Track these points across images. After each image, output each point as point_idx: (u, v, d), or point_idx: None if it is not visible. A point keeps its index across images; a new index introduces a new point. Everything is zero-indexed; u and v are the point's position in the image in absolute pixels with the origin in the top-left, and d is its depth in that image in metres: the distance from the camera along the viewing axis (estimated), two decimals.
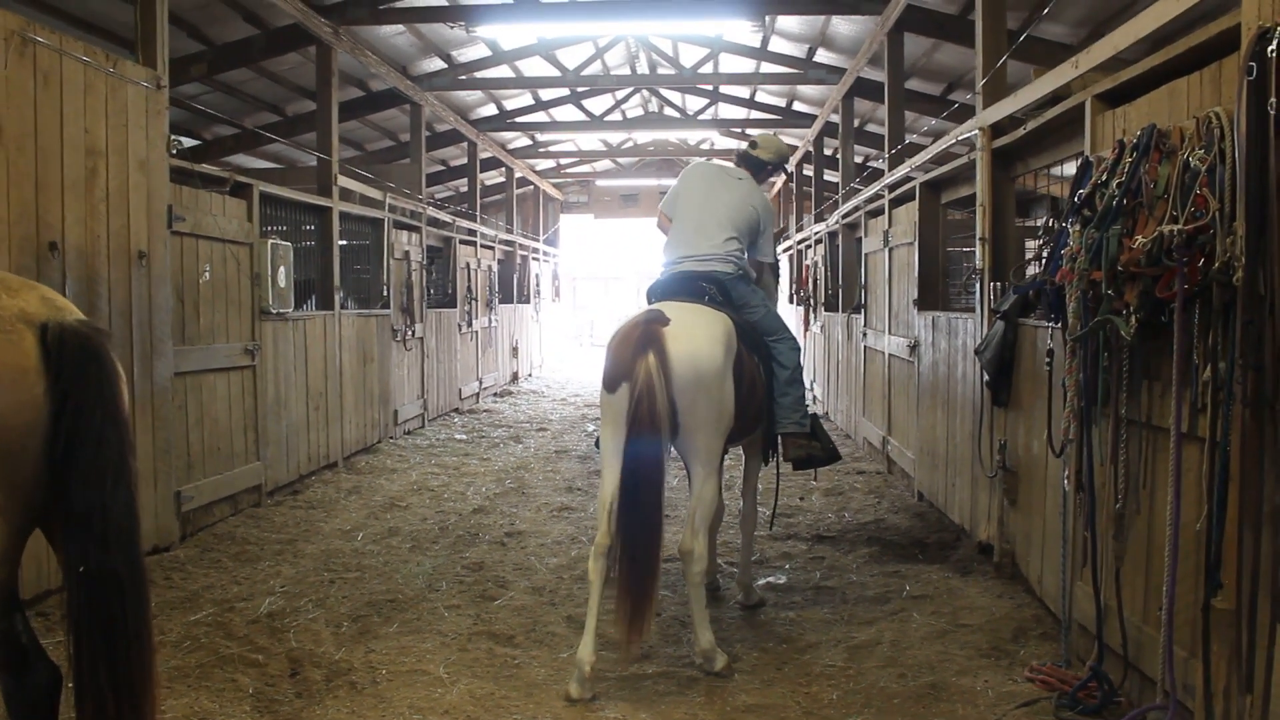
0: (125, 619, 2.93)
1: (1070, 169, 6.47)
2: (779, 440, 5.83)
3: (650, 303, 5.60)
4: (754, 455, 6.10)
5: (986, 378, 6.26)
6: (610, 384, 4.90)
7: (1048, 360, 5.12)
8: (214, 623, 5.57)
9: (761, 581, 6.38)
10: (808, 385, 16.94)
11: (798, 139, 19.86)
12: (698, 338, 4.95)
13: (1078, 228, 4.26)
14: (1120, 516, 4.33)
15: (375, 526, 7.88)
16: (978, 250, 6.75)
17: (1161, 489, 4.00)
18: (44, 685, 2.99)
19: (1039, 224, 5.75)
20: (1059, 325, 4.76)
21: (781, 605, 5.93)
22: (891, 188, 9.83)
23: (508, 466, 10.66)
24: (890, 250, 9.72)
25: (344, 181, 11.24)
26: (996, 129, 6.60)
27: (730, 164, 6.25)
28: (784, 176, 5.27)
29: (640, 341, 4.80)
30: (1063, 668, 4.68)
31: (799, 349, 5.86)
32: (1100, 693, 4.26)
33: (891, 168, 10.09)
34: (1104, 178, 4.16)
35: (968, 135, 7.14)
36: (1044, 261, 5.01)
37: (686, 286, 5.59)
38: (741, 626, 5.57)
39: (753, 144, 6.31)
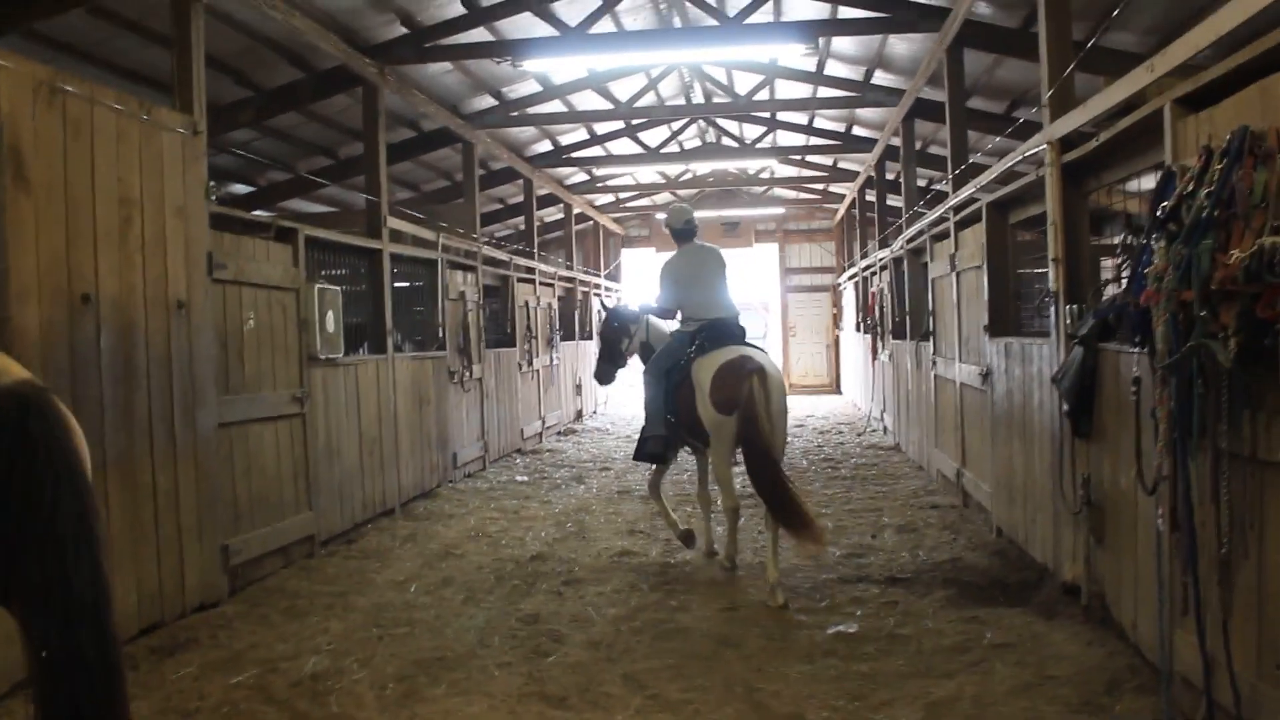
0: (93, 706, 2.62)
1: (1148, 182, 6.08)
2: None
3: (700, 341, 7.61)
4: None
5: (1065, 407, 5.86)
6: (725, 409, 7.03)
7: (1134, 389, 4.71)
8: (255, 685, 5.34)
9: (831, 630, 6.00)
10: (877, 414, 16.62)
11: (858, 164, 19.54)
12: (778, 372, 7.25)
13: (1163, 244, 3.88)
14: (1225, 561, 3.91)
15: (429, 576, 7.62)
16: (1051, 272, 6.36)
17: (1273, 529, 3.60)
18: None
19: (1117, 241, 5.36)
20: (1145, 351, 4.36)
21: (853, 657, 5.54)
22: (956, 210, 9.46)
23: (568, 509, 10.37)
24: (958, 274, 9.33)
25: (396, 223, 11.11)
26: (1066, 143, 6.22)
27: (690, 246, 8.14)
28: None
29: (749, 374, 6.92)
30: None
31: None
32: None
33: (955, 189, 9.71)
34: (1190, 188, 3.79)
35: (1035, 151, 6.77)
36: (1125, 282, 4.62)
37: (732, 331, 7.71)
38: (810, 681, 5.19)
39: (688, 221, 8.17)
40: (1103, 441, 5.57)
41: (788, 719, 4.72)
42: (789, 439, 8.38)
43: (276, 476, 7.90)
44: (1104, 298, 5.72)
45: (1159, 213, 3.98)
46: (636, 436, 8.30)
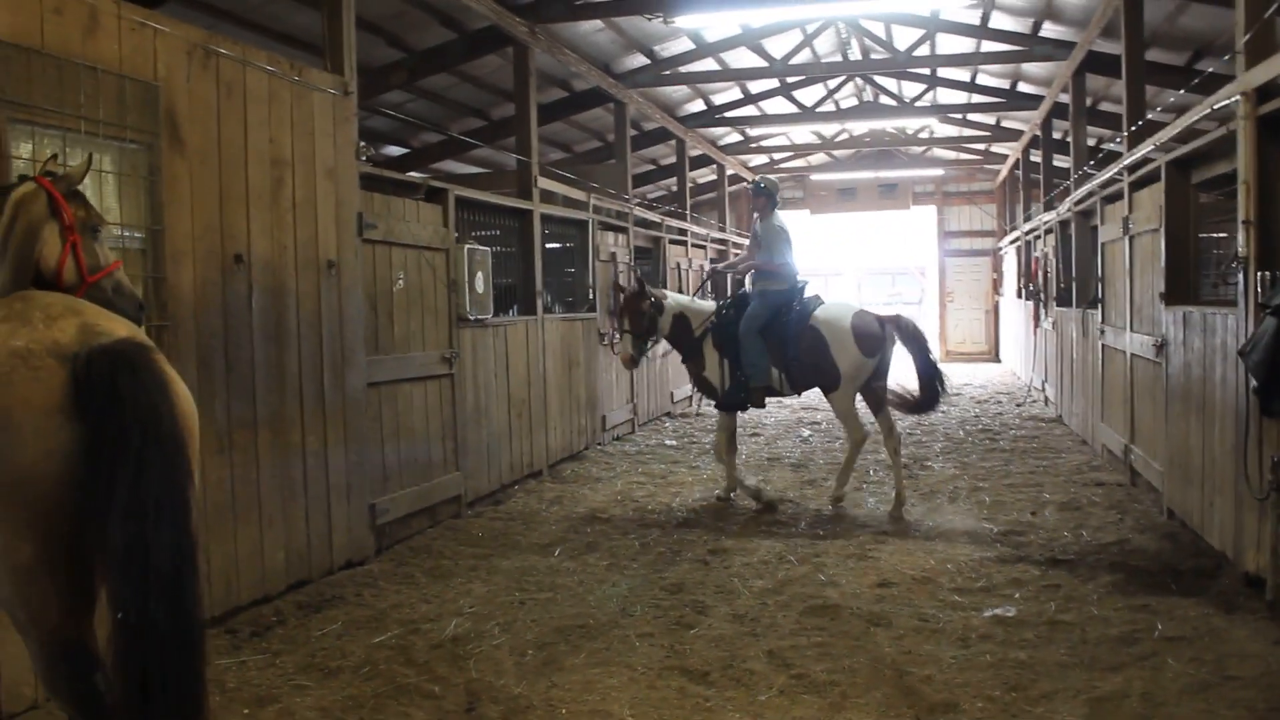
0: (165, 677, 2.51)
1: None
2: None
3: (799, 300, 8.76)
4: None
5: (1254, 383, 5.39)
6: (870, 352, 8.34)
7: None
8: (397, 646, 5.36)
9: (988, 613, 5.70)
10: (1038, 384, 15.99)
11: (1023, 122, 18.73)
12: None
13: None
14: None
15: (574, 541, 7.57)
16: (1240, 235, 5.86)
17: None
18: None
19: None
20: None
21: (1010, 643, 5.23)
22: (1131, 169, 8.88)
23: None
24: (1131, 238, 8.77)
25: (547, 183, 11.05)
26: (1263, 93, 5.70)
27: (780, 216, 9.10)
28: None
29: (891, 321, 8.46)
30: None
31: None
32: None
33: (1131, 147, 9.11)
34: None
35: (1223, 104, 6.24)
36: None
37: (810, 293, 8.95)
38: (964, 668, 4.91)
39: (777, 188, 9.14)
40: None
41: (940, 707, 4.46)
42: (944, 408, 9.49)
43: (425, 437, 7.94)
44: None
45: None
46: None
